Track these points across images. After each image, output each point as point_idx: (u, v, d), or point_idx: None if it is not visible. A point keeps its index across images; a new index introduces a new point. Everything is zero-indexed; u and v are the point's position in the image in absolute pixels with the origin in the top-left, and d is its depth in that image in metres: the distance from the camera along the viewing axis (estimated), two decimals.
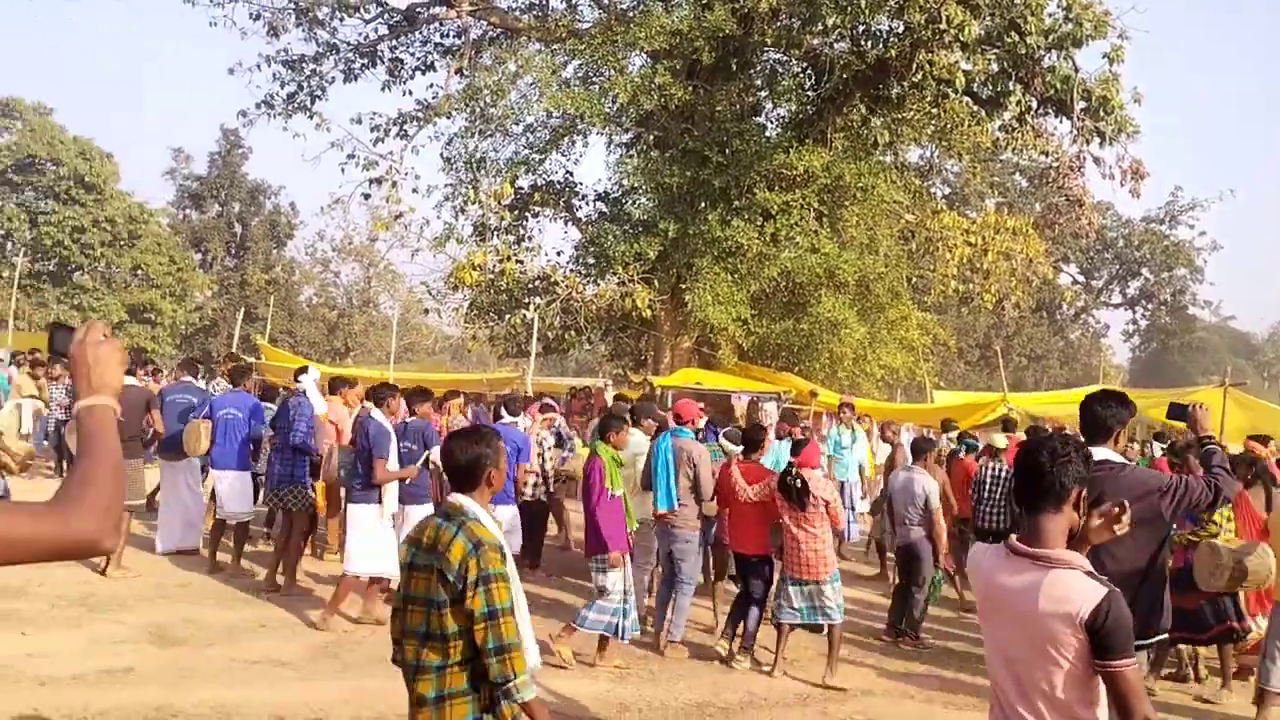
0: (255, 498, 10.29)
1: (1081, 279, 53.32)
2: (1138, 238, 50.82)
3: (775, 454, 10.06)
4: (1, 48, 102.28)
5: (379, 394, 8.65)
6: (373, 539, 7.97)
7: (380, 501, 8.02)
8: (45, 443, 16.29)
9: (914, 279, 21.27)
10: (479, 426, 3.91)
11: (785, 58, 19.48)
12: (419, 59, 20.87)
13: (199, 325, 44.60)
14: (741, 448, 8.13)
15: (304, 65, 20.35)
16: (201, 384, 11.15)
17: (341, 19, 20.29)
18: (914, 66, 16.60)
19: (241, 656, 7.00)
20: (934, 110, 18.89)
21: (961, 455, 11.93)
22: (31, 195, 43.47)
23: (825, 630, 7.47)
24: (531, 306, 18.64)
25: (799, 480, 7.31)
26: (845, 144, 19.00)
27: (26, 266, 40.58)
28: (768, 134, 19.43)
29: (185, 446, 9.75)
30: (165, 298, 43.43)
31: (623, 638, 7.30)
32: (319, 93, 20.51)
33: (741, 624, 7.79)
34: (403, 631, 3.46)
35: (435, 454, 8.72)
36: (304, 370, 10.05)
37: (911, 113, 19.06)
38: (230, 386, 10.72)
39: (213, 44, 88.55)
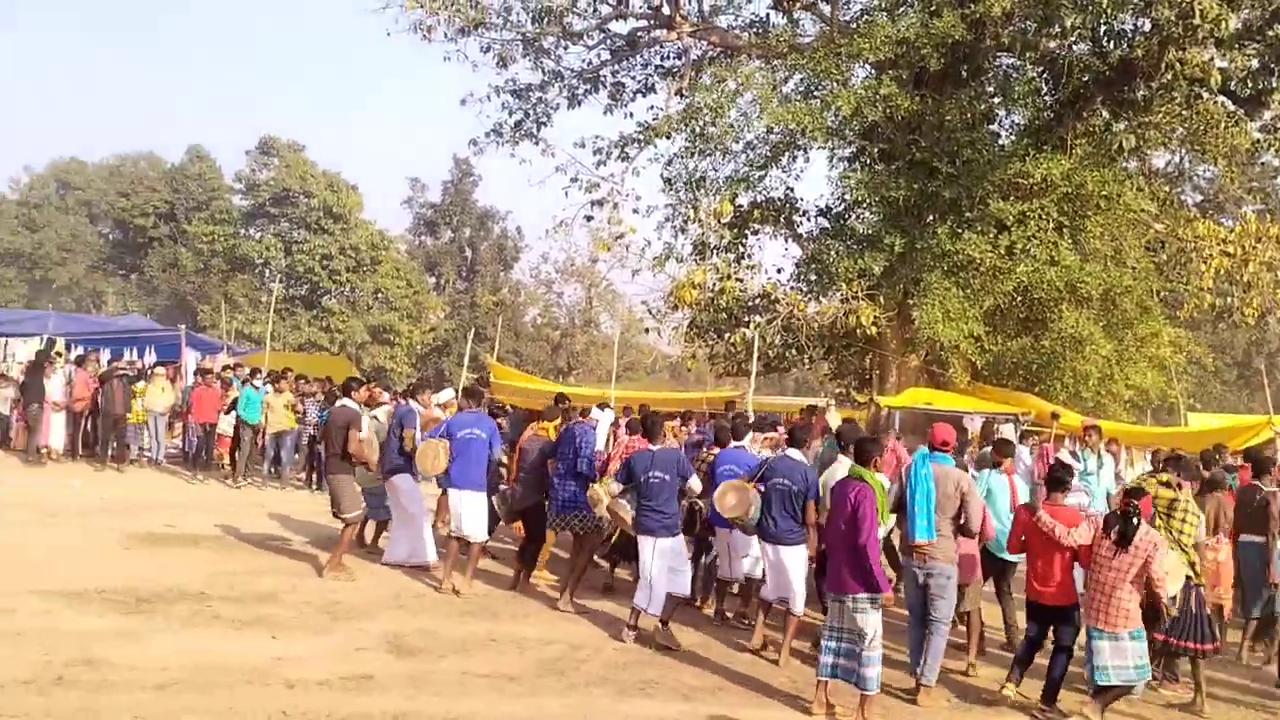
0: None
1: None
2: None
3: (985, 484, 9.30)
4: (260, 91, 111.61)
5: (648, 422, 8.81)
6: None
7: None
8: (296, 456, 17.38)
9: (1164, 293, 19.71)
10: None
11: (1020, 62, 18.55)
12: (640, 82, 21.13)
13: (433, 345, 46.91)
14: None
15: (530, 94, 20.98)
16: (419, 406, 11.42)
17: (566, 47, 20.84)
18: (1163, 66, 15.48)
19: (472, 669, 7.10)
20: (1185, 112, 17.48)
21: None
22: (286, 226, 47.15)
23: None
24: (751, 325, 18.43)
25: (1137, 516, 6.82)
26: (1086, 150, 17.86)
27: (281, 291, 43.94)
28: (1001, 142, 18.53)
29: (419, 466, 10.04)
30: (403, 319, 46.04)
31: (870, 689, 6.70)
32: (544, 119, 21.09)
33: (1021, 670, 7.44)
34: None
35: (695, 483, 8.68)
36: (605, 405, 10.31)
37: (1159, 115, 17.70)
38: (466, 407, 10.87)
39: (446, 78, 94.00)
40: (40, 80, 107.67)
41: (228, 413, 16.76)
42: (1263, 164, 25.80)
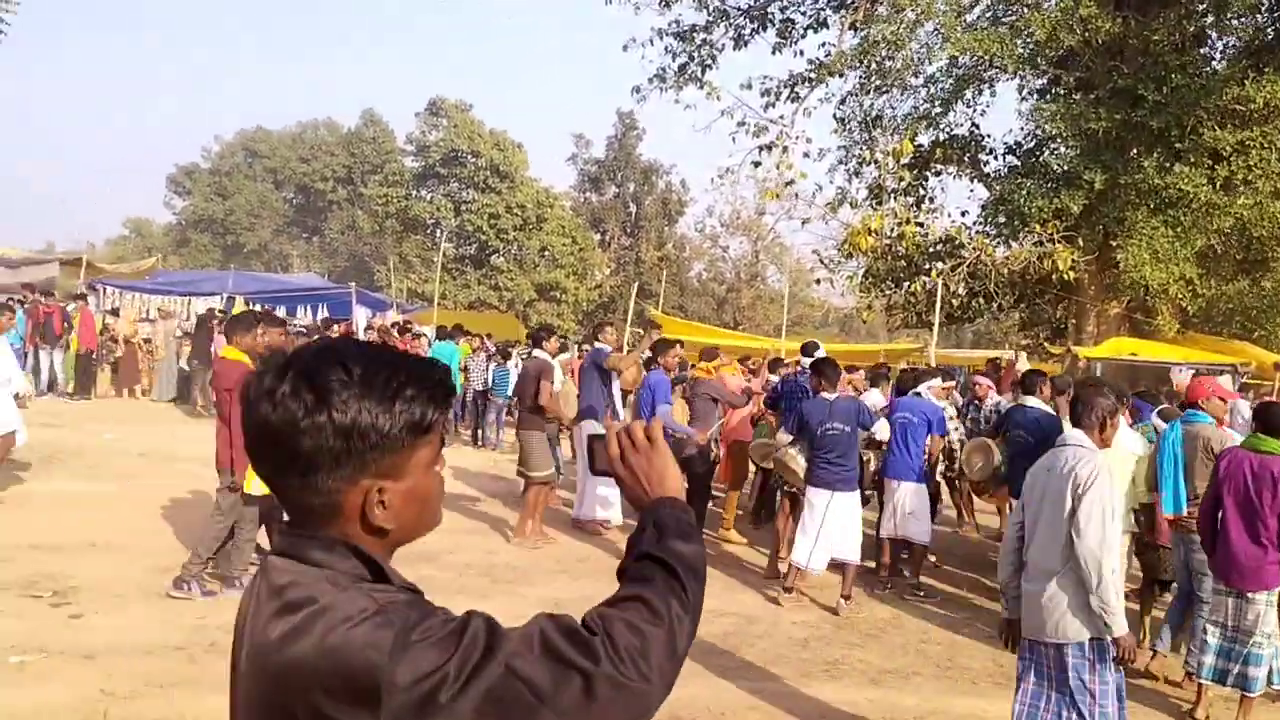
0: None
1: None
2: None
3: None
4: (431, 53, 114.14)
5: (825, 369, 8.02)
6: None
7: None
8: (462, 413, 17.32)
9: None
10: None
11: None
12: (810, 17, 19.94)
13: (598, 302, 46.83)
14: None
15: (694, 35, 20.12)
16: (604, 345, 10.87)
17: None
18: None
19: None
20: None
21: None
22: (455, 186, 47.79)
23: None
24: (933, 272, 17.23)
25: None
26: None
27: (451, 250, 44.61)
28: (1214, 65, 16.67)
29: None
30: (569, 276, 46.06)
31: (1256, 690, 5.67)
32: (709, 62, 20.21)
33: None
34: None
35: (882, 430, 7.96)
36: (812, 349, 9.69)
37: None
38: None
39: (607, 30, 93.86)
40: (229, 51, 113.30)
41: None
42: None
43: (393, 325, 19.63)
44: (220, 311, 18.58)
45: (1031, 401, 7.52)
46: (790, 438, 8.00)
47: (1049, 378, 8.64)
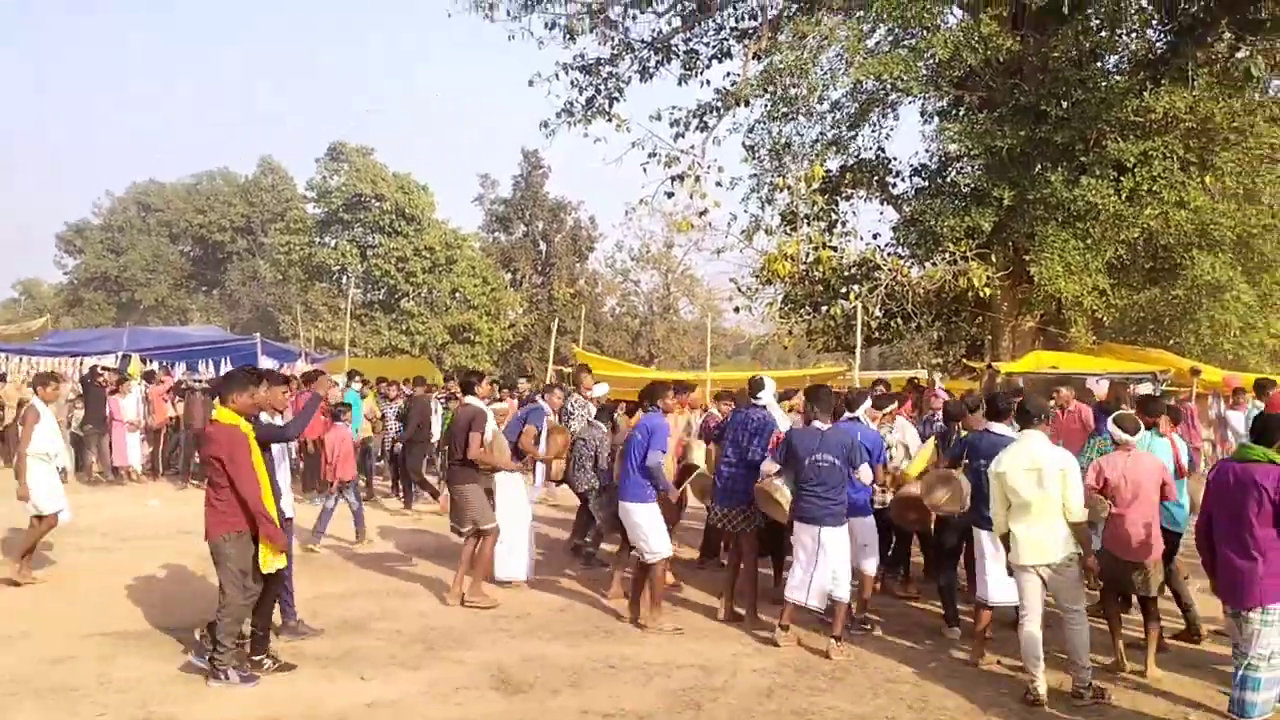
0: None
1: None
2: None
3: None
4: (328, 98, 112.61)
5: (819, 397, 7.73)
6: None
7: None
8: (380, 462, 16.64)
9: None
10: None
11: None
12: (714, 47, 19.86)
13: (513, 341, 46.24)
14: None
15: (600, 68, 19.89)
16: (548, 405, 10.65)
17: (634, 16, 19.66)
18: None
19: (593, 708, 6.07)
20: None
21: None
22: (360, 231, 46.84)
23: None
24: (851, 295, 17.18)
25: None
26: (1210, 81, 16.30)
27: (359, 297, 43.64)
28: (1113, 79, 17.04)
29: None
30: (482, 317, 45.40)
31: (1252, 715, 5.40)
32: (616, 94, 19.98)
33: None
34: None
35: (865, 474, 7.54)
36: (761, 384, 8.83)
37: None
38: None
39: (510, 69, 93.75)
40: (116, 106, 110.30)
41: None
42: None
43: (302, 375, 18.86)
44: (105, 369, 17.61)
45: (998, 428, 7.18)
46: (777, 467, 7.61)
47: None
